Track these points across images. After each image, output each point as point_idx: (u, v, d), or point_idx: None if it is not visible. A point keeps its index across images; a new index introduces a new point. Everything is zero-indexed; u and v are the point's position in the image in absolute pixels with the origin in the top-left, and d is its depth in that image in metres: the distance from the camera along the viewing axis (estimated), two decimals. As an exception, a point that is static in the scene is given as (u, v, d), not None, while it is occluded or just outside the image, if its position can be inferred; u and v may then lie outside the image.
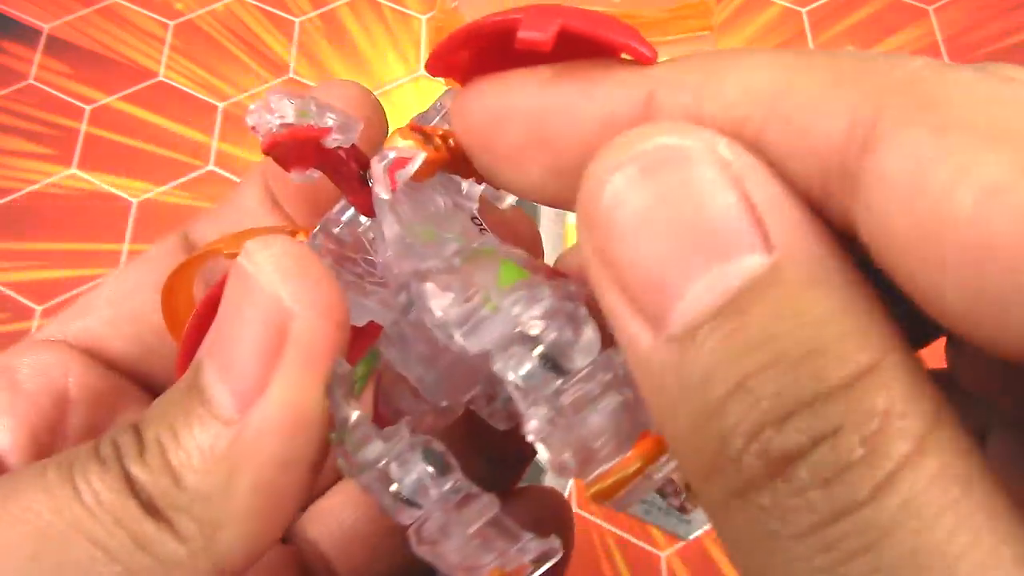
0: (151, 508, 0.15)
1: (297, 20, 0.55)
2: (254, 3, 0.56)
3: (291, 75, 0.53)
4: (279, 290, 0.15)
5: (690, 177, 0.13)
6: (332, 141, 0.16)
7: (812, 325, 0.12)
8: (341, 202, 0.18)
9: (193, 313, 0.19)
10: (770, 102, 0.13)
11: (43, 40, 0.54)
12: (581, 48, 0.15)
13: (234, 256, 0.17)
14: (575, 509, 0.41)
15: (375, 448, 0.16)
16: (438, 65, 0.17)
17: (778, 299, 0.12)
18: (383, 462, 0.16)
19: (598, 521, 0.41)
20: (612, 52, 0.15)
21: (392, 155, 0.16)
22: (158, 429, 0.15)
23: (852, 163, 0.12)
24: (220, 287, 0.18)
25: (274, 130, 0.16)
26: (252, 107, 0.16)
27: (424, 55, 0.52)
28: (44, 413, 0.20)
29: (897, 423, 0.11)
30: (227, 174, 0.50)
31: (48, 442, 0.20)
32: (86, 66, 0.53)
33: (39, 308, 0.46)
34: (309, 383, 0.15)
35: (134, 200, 0.49)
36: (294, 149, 0.17)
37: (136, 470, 0.15)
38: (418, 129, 0.17)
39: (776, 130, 0.13)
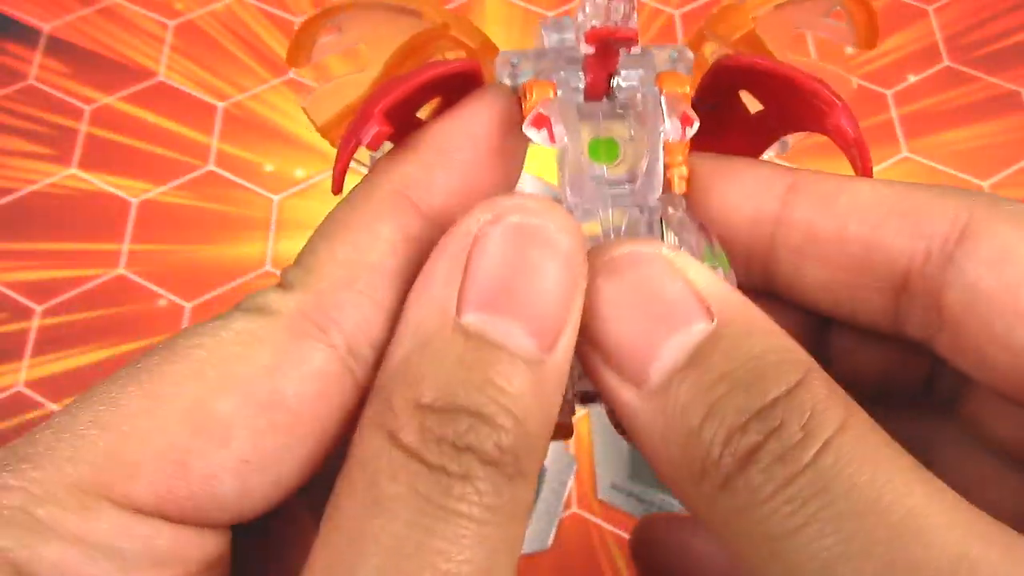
0: (490, 461, 0.16)
1: (297, 20, 0.55)
2: (254, 3, 0.56)
3: (291, 75, 0.53)
4: (579, 253, 0.17)
5: (648, 272, 0.17)
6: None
7: (753, 360, 0.16)
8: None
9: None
10: (886, 212, 0.19)
11: (43, 40, 0.54)
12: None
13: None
14: (574, 509, 0.41)
15: None
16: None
17: (725, 349, 0.16)
18: None
19: (598, 521, 0.41)
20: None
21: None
22: (474, 397, 0.16)
23: (951, 247, 0.18)
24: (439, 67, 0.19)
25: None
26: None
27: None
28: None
29: (823, 414, 0.16)
30: (227, 174, 0.50)
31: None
32: (86, 66, 0.53)
33: (39, 308, 0.46)
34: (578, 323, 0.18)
35: (134, 200, 0.49)
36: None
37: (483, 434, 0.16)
38: None
39: (892, 228, 0.19)
